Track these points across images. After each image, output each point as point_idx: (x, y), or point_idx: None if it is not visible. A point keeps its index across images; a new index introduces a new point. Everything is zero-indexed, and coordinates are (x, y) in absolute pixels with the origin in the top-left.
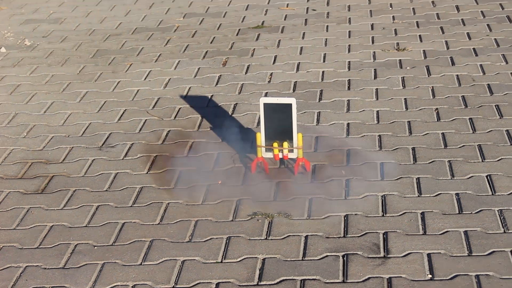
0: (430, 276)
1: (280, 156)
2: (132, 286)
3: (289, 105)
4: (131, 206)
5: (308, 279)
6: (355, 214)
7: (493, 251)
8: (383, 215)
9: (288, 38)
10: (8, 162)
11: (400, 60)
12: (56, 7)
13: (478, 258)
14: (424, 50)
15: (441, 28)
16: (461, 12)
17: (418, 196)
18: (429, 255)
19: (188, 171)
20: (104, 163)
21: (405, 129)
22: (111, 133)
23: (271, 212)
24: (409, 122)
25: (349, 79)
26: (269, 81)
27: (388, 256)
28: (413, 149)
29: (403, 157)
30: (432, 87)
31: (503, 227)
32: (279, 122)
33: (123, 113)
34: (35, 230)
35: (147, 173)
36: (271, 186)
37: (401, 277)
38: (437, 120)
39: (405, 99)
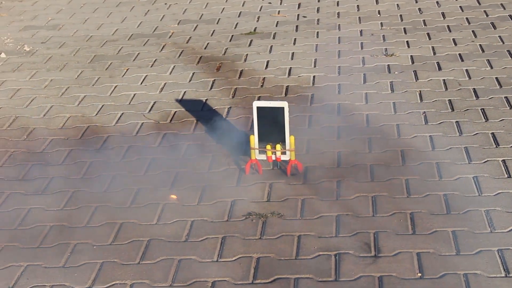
0: (419, 274)
1: (273, 158)
2: (130, 285)
3: (282, 109)
4: (129, 206)
5: (301, 277)
6: (346, 215)
7: (480, 250)
8: (373, 215)
9: (279, 44)
10: (9, 164)
11: (388, 65)
12: (54, 14)
13: (466, 257)
14: (411, 56)
15: (428, 34)
16: (447, 19)
17: (407, 197)
18: (418, 254)
19: (184, 172)
20: (102, 165)
21: (394, 132)
22: (109, 135)
23: (265, 212)
24: (397, 125)
25: (339, 84)
26: (261, 86)
27: (378, 255)
28: (402, 151)
29: (392, 159)
30: (420, 91)
31: (489, 227)
32: (272, 125)
33: (120, 116)
34: (35, 230)
35: (143, 175)
36: (265, 187)
37: (391, 275)
38: (425, 123)
39: (393, 103)
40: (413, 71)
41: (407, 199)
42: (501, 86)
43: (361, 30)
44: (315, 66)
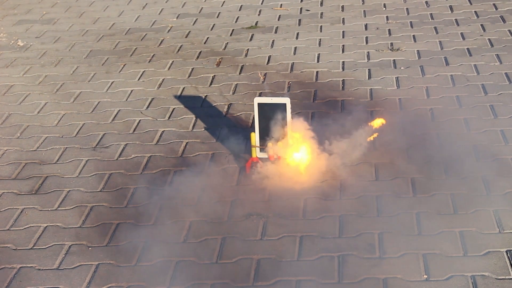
0: (425, 276)
1: (275, 156)
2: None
3: (283, 105)
4: (126, 206)
5: (303, 279)
6: (350, 214)
7: (489, 251)
8: (378, 216)
9: (281, 39)
10: (2, 162)
11: (394, 60)
12: (49, 7)
13: (473, 258)
14: (418, 50)
15: (435, 28)
16: (455, 12)
17: (413, 196)
18: (424, 255)
19: (182, 171)
20: (98, 163)
21: (400, 129)
22: (105, 133)
23: (266, 212)
24: (404, 122)
25: (343, 79)
26: (263, 81)
27: (383, 256)
28: (408, 149)
29: (398, 159)
30: (427, 87)
31: (498, 227)
32: (273, 122)
33: (117, 113)
34: (29, 231)
35: (141, 173)
36: (266, 186)
37: (396, 277)
38: (432, 120)
39: (399, 99)
40: (420, 66)
41: (413, 199)
42: (510, 82)
43: (366, 24)
44: (318, 61)
